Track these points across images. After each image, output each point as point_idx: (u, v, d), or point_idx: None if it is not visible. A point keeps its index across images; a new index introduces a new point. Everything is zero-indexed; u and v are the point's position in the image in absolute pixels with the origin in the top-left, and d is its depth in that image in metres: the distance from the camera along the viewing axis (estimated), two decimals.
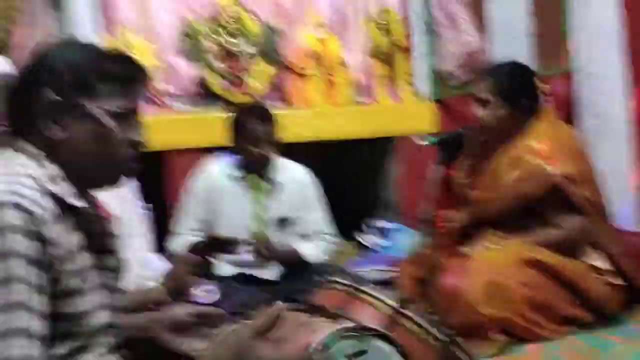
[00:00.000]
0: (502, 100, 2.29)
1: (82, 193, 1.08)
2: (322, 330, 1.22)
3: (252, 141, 2.51)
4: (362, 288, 1.46)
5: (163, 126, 3.36)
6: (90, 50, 1.10)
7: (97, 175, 1.10)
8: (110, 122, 1.06)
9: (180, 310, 1.41)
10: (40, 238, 0.95)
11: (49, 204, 0.99)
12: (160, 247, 2.62)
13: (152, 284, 1.88)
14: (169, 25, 3.90)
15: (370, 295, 1.44)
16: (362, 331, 1.23)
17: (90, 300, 1.04)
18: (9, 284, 0.91)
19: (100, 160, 1.07)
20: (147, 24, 3.90)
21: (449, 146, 2.27)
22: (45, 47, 1.13)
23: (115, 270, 1.16)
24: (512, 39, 3.33)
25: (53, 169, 1.03)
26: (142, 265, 1.93)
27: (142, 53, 3.59)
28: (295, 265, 2.55)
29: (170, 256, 2.32)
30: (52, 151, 1.04)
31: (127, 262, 1.78)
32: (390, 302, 1.40)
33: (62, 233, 1.00)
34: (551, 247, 2.14)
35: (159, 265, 2.04)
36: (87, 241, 1.07)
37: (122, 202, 1.92)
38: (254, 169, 2.61)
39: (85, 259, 1.05)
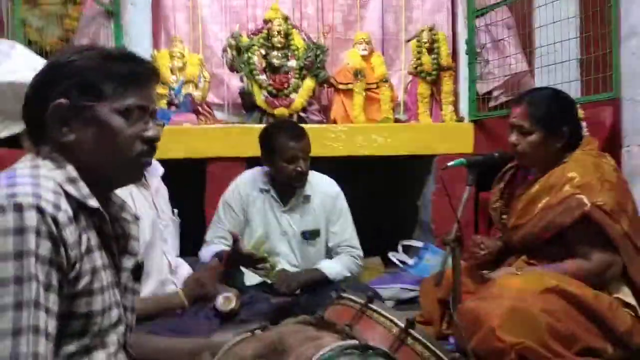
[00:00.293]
0: (537, 127, 2.22)
1: (99, 193, 1.10)
2: (326, 344, 1.26)
3: (283, 157, 2.52)
4: (373, 307, 1.48)
5: (206, 135, 3.48)
6: (95, 52, 1.12)
7: (111, 174, 1.12)
8: (117, 121, 1.09)
9: (230, 337, 1.43)
10: (58, 240, 0.98)
11: (67, 206, 1.02)
12: (195, 253, 2.69)
13: (172, 287, 1.95)
14: (218, 37, 4.03)
15: (380, 314, 1.46)
16: (365, 349, 1.26)
17: (102, 300, 1.07)
18: (22, 282, 0.94)
19: (110, 158, 1.10)
20: (198, 36, 4.04)
21: (479, 168, 2.22)
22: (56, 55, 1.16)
23: (133, 271, 1.19)
24: (558, 65, 3.28)
25: (72, 170, 1.07)
26: (170, 269, 2.00)
27: (192, 64, 3.72)
28: (318, 284, 2.54)
29: (196, 262, 2.38)
30: (65, 153, 1.08)
31: (153, 265, 1.87)
32: (399, 322, 1.42)
33: (79, 233, 1.03)
34: (579, 278, 2.09)
35: (186, 270, 2.10)
36: (101, 241, 1.10)
37: (152, 206, 1.99)
38: (283, 182, 2.61)
39: (98, 259, 1.08)
